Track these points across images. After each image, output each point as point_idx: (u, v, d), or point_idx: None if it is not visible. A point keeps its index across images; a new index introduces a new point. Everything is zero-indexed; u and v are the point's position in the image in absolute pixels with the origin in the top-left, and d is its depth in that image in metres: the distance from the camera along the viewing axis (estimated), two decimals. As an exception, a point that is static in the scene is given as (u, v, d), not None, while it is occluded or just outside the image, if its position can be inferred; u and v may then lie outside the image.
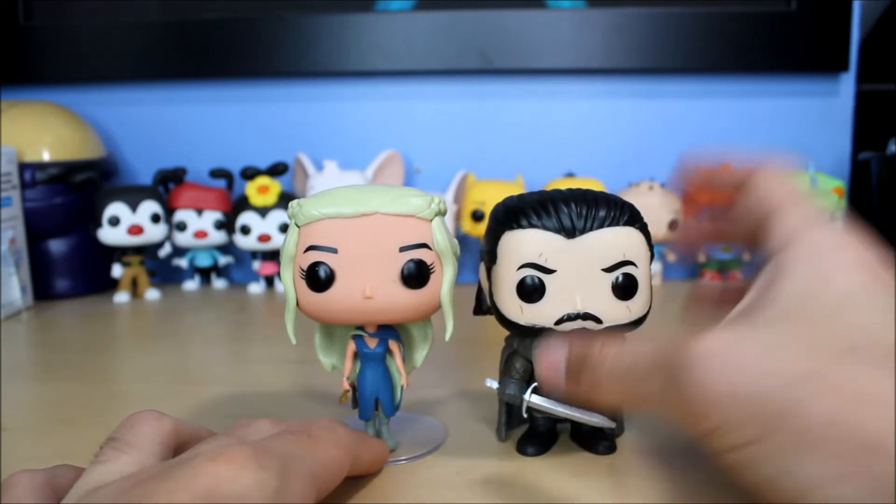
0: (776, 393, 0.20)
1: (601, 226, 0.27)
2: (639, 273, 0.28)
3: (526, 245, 0.28)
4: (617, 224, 0.28)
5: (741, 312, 0.24)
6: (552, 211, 0.28)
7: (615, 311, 0.28)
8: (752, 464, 0.20)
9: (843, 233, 0.24)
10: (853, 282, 0.22)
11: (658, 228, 0.62)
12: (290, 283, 0.28)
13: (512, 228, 0.28)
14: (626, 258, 0.28)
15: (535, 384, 0.30)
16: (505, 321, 0.29)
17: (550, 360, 0.27)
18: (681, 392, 0.21)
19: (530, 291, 0.28)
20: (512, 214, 0.28)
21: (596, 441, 0.31)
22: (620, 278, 0.28)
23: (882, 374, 0.19)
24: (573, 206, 0.28)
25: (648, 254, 0.28)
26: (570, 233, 0.27)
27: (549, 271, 0.28)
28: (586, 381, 0.26)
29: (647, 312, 0.29)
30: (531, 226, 0.28)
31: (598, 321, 0.28)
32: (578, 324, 0.28)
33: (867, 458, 0.18)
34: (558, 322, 0.28)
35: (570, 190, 0.28)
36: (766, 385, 0.20)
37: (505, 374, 0.30)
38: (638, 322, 0.29)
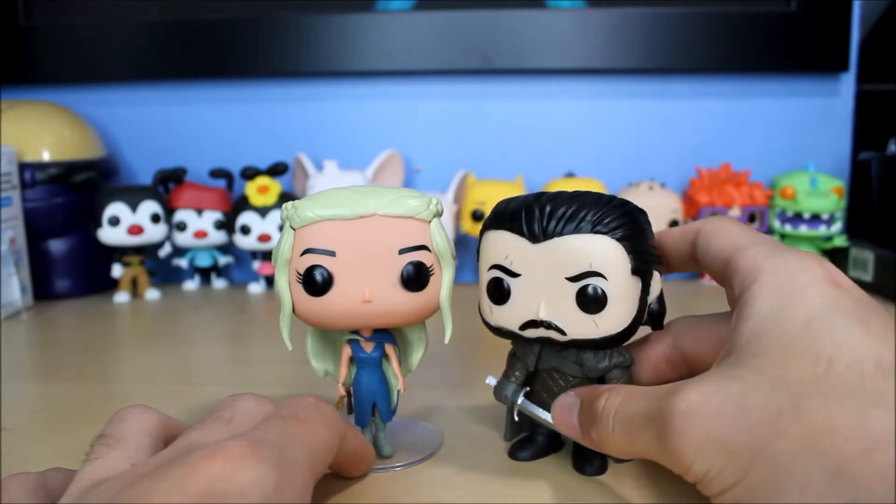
0: (746, 435, 0.21)
1: (567, 233, 0.26)
2: (609, 286, 0.26)
3: (495, 246, 0.28)
4: (583, 232, 0.26)
5: (719, 360, 0.24)
6: (524, 214, 0.27)
7: (580, 325, 0.26)
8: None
9: (799, 259, 0.24)
10: (813, 303, 0.23)
11: (658, 229, 0.62)
12: (285, 287, 0.28)
13: (490, 229, 0.28)
14: (593, 269, 0.26)
15: (528, 388, 0.30)
16: (482, 320, 0.29)
17: (562, 415, 0.27)
18: (668, 445, 0.22)
19: (497, 293, 0.28)
20: (494, 216, 0.28)
21: (588, 460, 0.29)
22: (585, 290, 0.26)
23: (847, 402, 0.20)
24: (547, 209, 0.26)
25: (629, 266, 0.26)
26: (535, 237, 0.26)
27: (514, 274, 0.27)
28: (595, 435, 0.26)
29: (628, 330, 0.27)
30: (502, 227, 0.28)
31: (562, 332, 0.27)
32: (542, 332, 0.27)
33: (837, 481, 0.19)
34: (522, 328, 0.28)
35: (559, 193, 0.27)
36: (737, 429, 0.21)
37: (504, 374, 0.30)
38: (615, 339, 0.27)
